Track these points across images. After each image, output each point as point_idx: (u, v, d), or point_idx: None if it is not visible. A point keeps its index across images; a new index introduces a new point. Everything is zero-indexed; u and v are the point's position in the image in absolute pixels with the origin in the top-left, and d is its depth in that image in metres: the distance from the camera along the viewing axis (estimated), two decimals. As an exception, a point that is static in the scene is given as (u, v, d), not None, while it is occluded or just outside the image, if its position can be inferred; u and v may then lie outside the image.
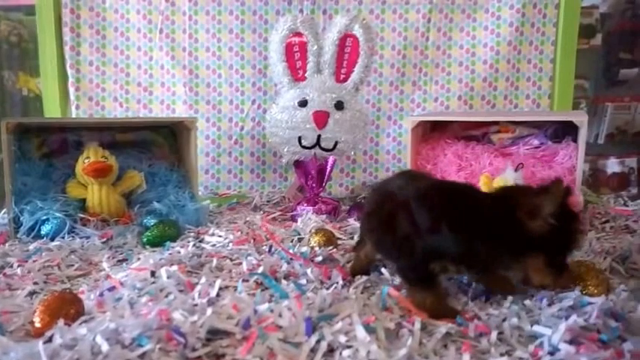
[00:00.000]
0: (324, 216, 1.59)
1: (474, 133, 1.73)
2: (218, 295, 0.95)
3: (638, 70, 2.73)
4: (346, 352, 0.73)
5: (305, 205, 1.66)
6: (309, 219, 1.54)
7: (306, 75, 1.62)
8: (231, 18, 1.93)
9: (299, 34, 1.60)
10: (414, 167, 1.66)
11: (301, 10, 1.94)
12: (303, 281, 1.04)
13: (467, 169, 1.62)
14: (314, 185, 1.68)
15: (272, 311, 0.83)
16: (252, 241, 1.34)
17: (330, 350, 0.75)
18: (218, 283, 0.97)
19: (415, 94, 2.01)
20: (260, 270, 1.08)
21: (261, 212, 1.72)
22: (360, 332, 0.77)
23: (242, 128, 1.98)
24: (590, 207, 1.58)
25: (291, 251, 1.22)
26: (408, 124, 1.61)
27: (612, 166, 2.71)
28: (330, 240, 1.29)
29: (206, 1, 1.92)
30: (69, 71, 1.90)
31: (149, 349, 0.70)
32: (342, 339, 0.76)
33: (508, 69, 1.99)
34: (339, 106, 1.59)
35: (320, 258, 1.19)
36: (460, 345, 0.78)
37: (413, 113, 1.98)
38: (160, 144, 1.68)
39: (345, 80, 1.62)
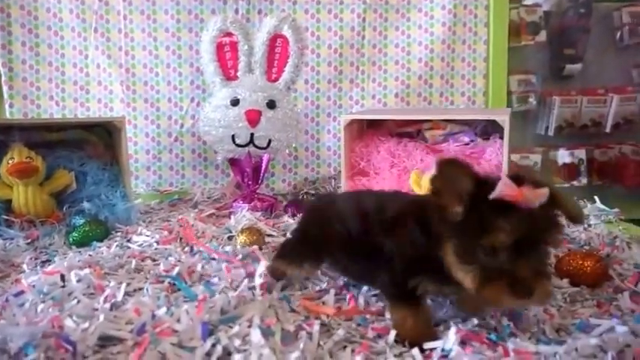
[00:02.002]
0: (259, 213, 1.59)
1: (408, 130, 1.76)
2: (131, 296, 0.95)
3: (582, 66, 2.78)
4: (238, 357, 0.74)
5: (241, 202, 1.67)
6: (243, 216, 1.54)
7: (238, 74, 1.63)
8: (167, 17, 1.93)
9: (230, 34, 1.61)
10: (347, 164, 1.67)
11: (237, 10, 1.94)
12: (216, 281, 1.05)
13: (399, 165, 1.64)
14: (250, 183, 1.69)
15: (172, 315, 0.84)
16: (179, 240, 1.34)
17: (228, 354, 0.76)
18: (123, 287, 0.97)
19: (353, 92, 2.03)
20: (176, 271, 1.09)
21: (197, 210, 1.72)
22: (255, 336, 0.78)
23: (182, 126, 1.98)
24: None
25: (214, 250, 1.23)
26: (341, 123, 1.62)
27: (563, 157, 2.76)
28: (257, 238, 1.30)
29: (140, 1, 1.91)
30: (1, 70, 1.87)
31: (34, 359, 0.70)
32: (237, 343, 0.77)
33: (443, 67, 2.03)
34: (271, 104, 1.61)
35: (240, 256, 1.19)
36: (357, 346, 0.80)
37: (351, 110, 2.00)
38: (93, 143, 1.66)
39: (276, 80, 1.64)
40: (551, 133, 2.75)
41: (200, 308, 0.85)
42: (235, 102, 1.60)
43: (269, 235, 1.39)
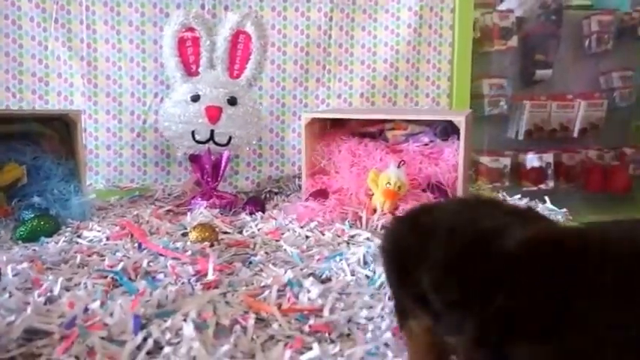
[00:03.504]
0: (217, 210, 1.57)
1: (371, 130, 1.75)
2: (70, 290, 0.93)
3: (552, 71, 2.84)
4: (168, 349, 0.72)
5: (199, 199, 1.65)
6: (200, 213, 1.52)
7: (199, 70, 1.62)
8: (131, 10, 1.89)
9: (192, 29, 1.59)
10: (308, 163, 1.66)
11: (203, 5, 1.91)
12: (161, 277, 1.04)
13: (359, 164, 1.63)
14: (209, 180, 1.67)
15: (106, 309, 0.82)
16: (131, 236, 1.32)
17: (161, 348, 0.75)
18: (60, 281, 0.95)
19: (319, 91, 2.02)
20: (120, 266, 1.07)
21: (154, 206, 1.69)
22: (187, 329, 0.76)
23: (144, 121, 1.94)
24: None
25: (161, 247, 1.21)
26: (302, 121, 1.62)
27: (531, 161, 2.84)
28: (210, 235, 1.29)
29: (103, -7, 1.88)
30: (-45, 59, 1.83)
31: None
32: (169, 336, 0.76)
33: (408, 68, 2.03)
34: (232, 101, 1.59)
35: (190, 253, 1.18)
36: (291, 342, 0.79)
37: (317, 109, 1.99)
38: (48, 136, 1.63)
39: (238, 76, 1.63)
40: (521, 137, 2.81)
41: (135, 302, 0.83)
42: (196, 98, 1.58)
43: (225, 233, 1.37)
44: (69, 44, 1.88)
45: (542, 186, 2.77)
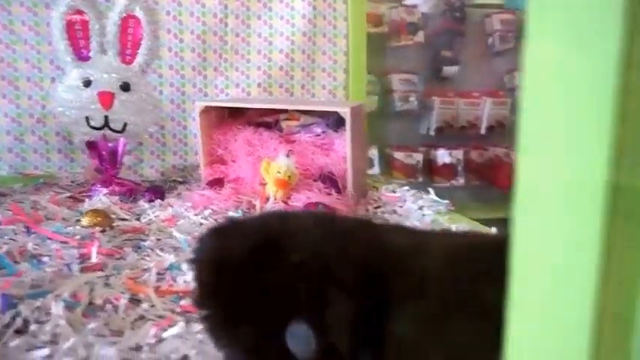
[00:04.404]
0: (117, 197, 1.58)
1: (266, 119, 1.79)
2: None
3: (459, 68, 2.88)
4: (34, 327, 0.75)
5: (99, 186, 1.65)
6: (99, 200, 1.53)
7: (90, 55, 1.61)
8: (21, -10, 1.86)
9: (80, 12, 1.58)
10: (205, 152, 1.69)
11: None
12: (47, 260, 1.05)
13: (254, 154, 1.68)
14: (108, 167, 1.67)
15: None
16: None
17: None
18: None
19: (218, 80, 2.04)
20: (5, 249, 1.08)
21: (51, 193, 1.68)
22: (56, 308, 0.79)
23: (44, 107, 1.91)
24: (371, 193, 1.70)
25: (50, 231, 1.22)
26: (196, 110, 1.64)
27: (443, 157, 2.86)
28: (102, 220, 1.30)
29: (-8, -27, 1.84)
30: None
31: None
32: (37, 315, 0.78)
33: (304, 59, 2.07)
34: (125, 87, 1.60)
35: (79, 237, 1.20)
36: (160, 321, 0.82)
37: (217, 98, 2.01)
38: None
39: (130, 62, 1.63)
40: (432, 133, 2.86)
41: (7, 283, 0.85)
42: (88, 83, 1.58)
43: (122, 220, 1.39)
44: (-42, 26, 1.83)
45: (454, 182, 2.83)
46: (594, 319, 0.23)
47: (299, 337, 0.48)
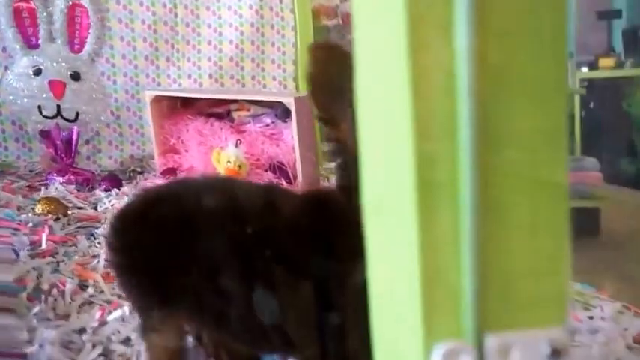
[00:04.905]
0: (73, 186, 1.59)
1: (218, 110, 1.81)
2: None
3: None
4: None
5: (55, 175, 1.65)
6: (55, 189, 1.54)
7: (39, 43, 1.60)
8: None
9: (27, 0, 1.58)
10: (158, 141, 1.71)
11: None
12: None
13: (206, 144, 1.70)
14: (63, 156, 1.67)
15: None
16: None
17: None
18: None
19: (170, 70, 2.04)
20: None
21: (6, 181, 1.67)
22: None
23: (-2, 95, 1.89)
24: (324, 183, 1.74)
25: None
26: (146, 99, 1.65)
27: None
28: (56, 208, 1.31)
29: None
30: None
31: None
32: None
33: (253, 50, 2.09)
34: (76, 76, 1.60)
35: (31, 224, 1.20)
36: (107, 306, 0.85)
37: (170, 88, 2.01)
38: None
39: (79, 51, 1.63)
40: None
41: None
42: (38, 71, 1.58)
43: (79, 208, 1.40)
44: None
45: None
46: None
47: None
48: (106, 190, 1.58)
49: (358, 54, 0.30)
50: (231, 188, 0.61)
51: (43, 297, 0.84)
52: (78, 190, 1.57)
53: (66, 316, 0.80)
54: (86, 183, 1.65)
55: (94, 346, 0.72)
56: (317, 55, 0.48)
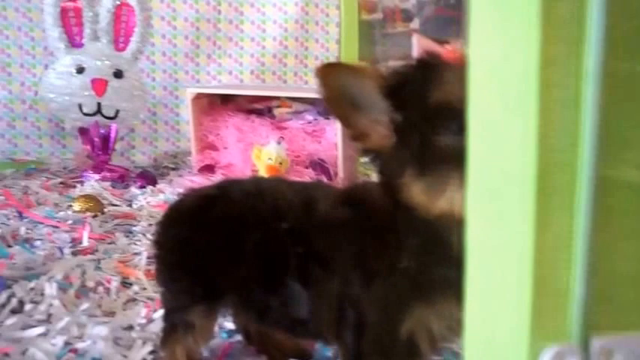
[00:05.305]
0: (108, 183, 1.60)
1: (259, 107, 1.81)
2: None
3: (455, 55, 2.87)
4: (29, 307, 0.77)
5: (90, 172, 1.66)
6: (91, 186, 1.54)
7: (83, 42, 1.61)
8: (15, -22, 1.86)
9: (74, 0, 1.59)
10: (197, 138, 1.71)
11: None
12: (38, 244, 1.07)
13: (245, 140, 1.69)
14: (99, 153, 1.68)
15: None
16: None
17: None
18: None
19: (210, 67, 2.04)
20: (-3, 233, 1.09)
21: (43, 178, 1.69)
22: (50, 289, 0.81)
23: (36, 93, 1.92)
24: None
25: (41, 216, 1.23)
26: (187, 96, 1.65)
27: None
28: (94, 205, 1.31)
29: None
30: None
31: None
32: (32, 296, 0.80)
33: (297, 47, 2.08)
34: (118, 74, 1.61)
35: (70, 222, 1.21)
36: (150, 303, 0.84)
37: (209, 85, 2.02)
38: None
39: (123, 49, 1.63)
40: None
41: (1, 265, 0.87)
42: (80, 70, 1.59)
43: (114, 205, 1.40)
44: (-48, 13, 1.83)
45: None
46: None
47: None
48: (140, 187, 1.58)
49: (473, 68, 0.30)
50: (279, 188, 0.63)
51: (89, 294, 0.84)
52: (113, 187, 1.57)
53: (111, 313, 0.80)
54: (121, 180, 1.66)
55: (144, 342, 0.72)
56: (323, 78, 0.49)
